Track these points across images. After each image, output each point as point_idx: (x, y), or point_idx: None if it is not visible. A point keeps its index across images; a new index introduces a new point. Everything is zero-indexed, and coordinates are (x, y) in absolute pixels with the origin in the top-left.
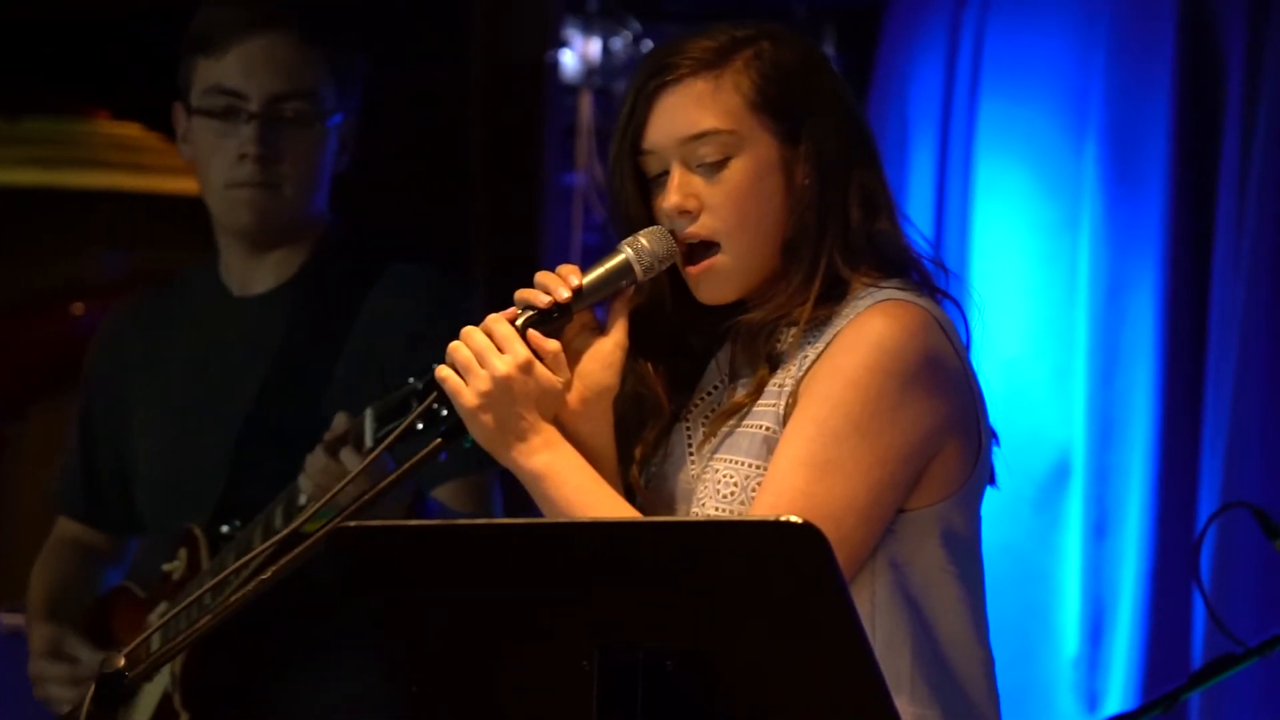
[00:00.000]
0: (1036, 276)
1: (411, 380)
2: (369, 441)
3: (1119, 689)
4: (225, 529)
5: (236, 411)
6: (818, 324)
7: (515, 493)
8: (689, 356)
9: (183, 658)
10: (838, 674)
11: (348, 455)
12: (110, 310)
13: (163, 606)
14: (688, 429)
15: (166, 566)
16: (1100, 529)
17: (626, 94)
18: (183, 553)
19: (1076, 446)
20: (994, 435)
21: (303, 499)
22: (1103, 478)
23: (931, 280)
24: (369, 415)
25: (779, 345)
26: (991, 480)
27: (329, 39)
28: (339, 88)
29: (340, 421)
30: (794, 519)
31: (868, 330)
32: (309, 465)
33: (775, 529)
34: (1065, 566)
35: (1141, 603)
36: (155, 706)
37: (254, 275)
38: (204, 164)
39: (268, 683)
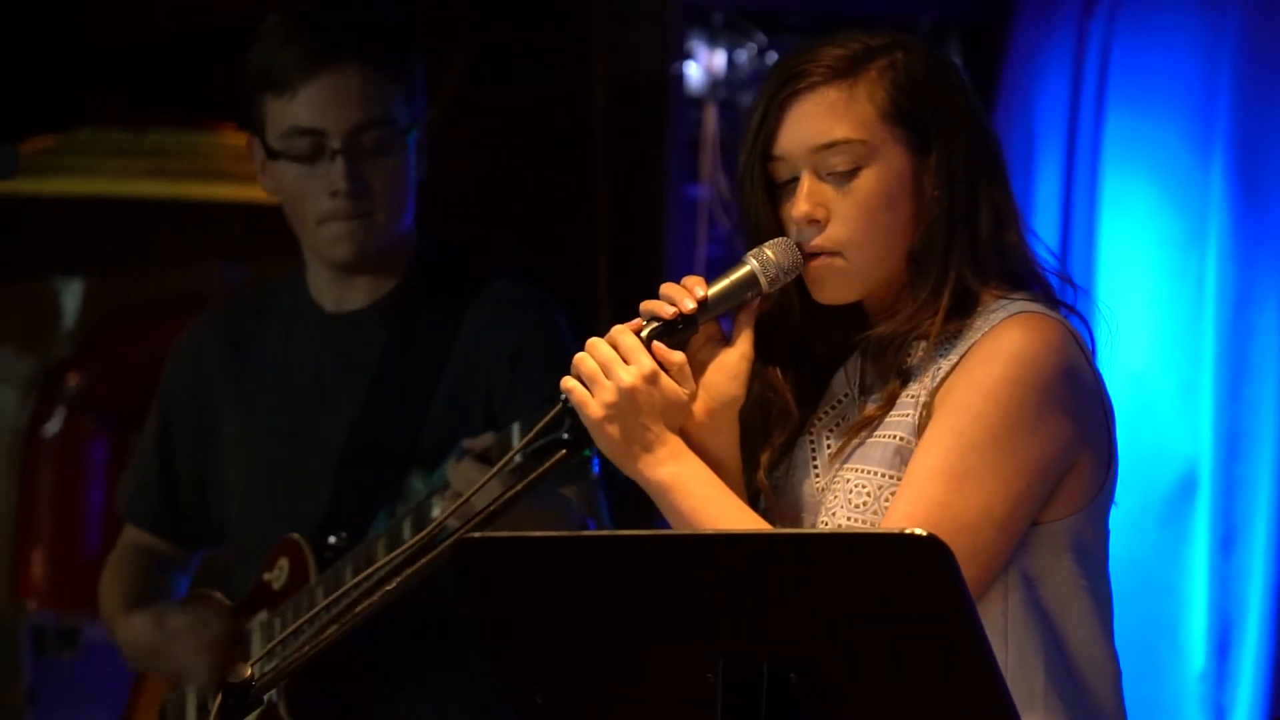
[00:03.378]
0: (1163, 290)
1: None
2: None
3: (1246, 703)
4: (332, 539)
5: (336, 426)
6: (949, 337)
7: (624, 501)
8: (815, 366)
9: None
10: (963, 689)
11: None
12: (190, 326)
13: (263, 615)
14: (812, 441)
15: (266, 576)
16: (1227, 543)
17: (758, 100)
18: (284, 563)
19: (1203, 460)
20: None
21: (436, 511)
22: (1230, 492)
23: (1055, 294)
24: (515, 430)
25: (909, 359)
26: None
27: (391, 60)
28: (408, 103)
29: (486, 437)
30: (919, 531)
31: (1006, 342)
32: (455, 477)
33: (900, 541)
34: (1192, 581)
35: (1269, 617)
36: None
37: (347, 294)
38: (294, 202)
39: (371, 696)
